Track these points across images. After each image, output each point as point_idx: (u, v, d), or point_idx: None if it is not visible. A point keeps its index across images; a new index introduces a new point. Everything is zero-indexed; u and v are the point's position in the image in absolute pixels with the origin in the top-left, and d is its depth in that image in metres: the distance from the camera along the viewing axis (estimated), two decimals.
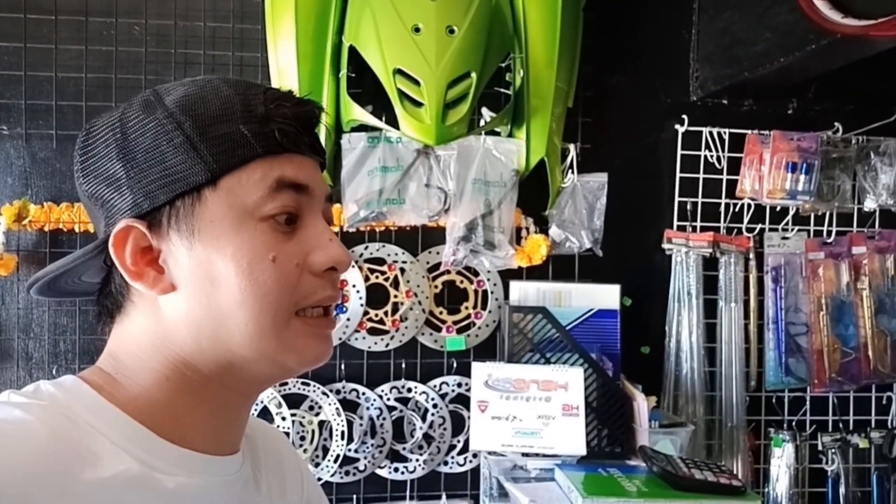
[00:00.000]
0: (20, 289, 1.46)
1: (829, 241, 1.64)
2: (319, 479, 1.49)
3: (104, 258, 0.57)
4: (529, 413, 1.35)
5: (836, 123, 1.62)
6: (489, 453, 1.37)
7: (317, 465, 1.49)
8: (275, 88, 0.60)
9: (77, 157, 0.58)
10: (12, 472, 0.45)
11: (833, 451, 1.63)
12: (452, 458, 1.56)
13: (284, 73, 1.46)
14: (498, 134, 1.54)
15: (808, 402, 1.65)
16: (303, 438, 1.50)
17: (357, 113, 1.44)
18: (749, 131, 1.61)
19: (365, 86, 1.47)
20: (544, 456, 1.34)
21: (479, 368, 1.39)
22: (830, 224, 1.65)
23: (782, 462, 1.60)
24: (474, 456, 1.55)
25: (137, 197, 0.55)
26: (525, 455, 1.35)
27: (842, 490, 1.62)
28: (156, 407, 0.55)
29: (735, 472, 1.57)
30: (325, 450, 1.50)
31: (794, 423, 1.65)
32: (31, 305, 1.47)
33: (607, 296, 1.53)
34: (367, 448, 1.51)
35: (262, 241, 0.55)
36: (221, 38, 1.52)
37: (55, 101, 1.46)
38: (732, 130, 1.62)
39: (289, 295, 0.56)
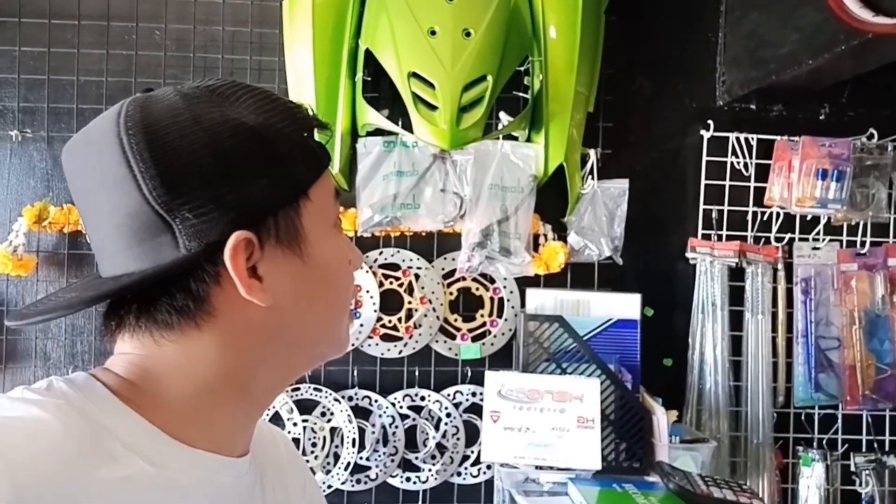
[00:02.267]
0: (39, 289, 1.48)
1: (862, 251, 1.57)
2: (330, 487, 1.47)
3: (188, 270, 0.53)
4: (543, 425, 1.32)
5: (870, 129, 1.56)
6: (501, 465, 1.34)
7: (328, 472, 1.47)
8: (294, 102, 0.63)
9: (143, 162, 0.50)
10: (32, 470, 0.45)
11: (867, 472, 1.56)
12: (466, 469, 1.52)
13: (301, 77, 1.45)
14: (516, 139, 1.52)
15: (839, 420, 1.58)
16: (314, 445, 1.48)
17: (372, 117, 1.43)
18: (778, 137, 1.55)
19: (381, 90, 1.46)
20: (558, 469, 1.30)
21: (492, 378, 1.35)
22: (864, 234, 1.58)
23: (811, 482, 1.53)
24: (488, 468, 1.51)
25: (243, 204, 0.53)
26: (538, 468, 1.31)
27: None
28: (172, 410, 0.54)
29: (761, 491, 1.51)
30: (337, 457, 1.48)
31: (824, 442, 1.57)
32: None
33: (627, 305, 1.48)
34: (379, 456, 1.49)
35: (341, 246, 0.61)
36: (240, 43, 1.52)
37: (76, 105, 1.49)
38: (761, 136, 1.56)
39: (350, 294, 0.64)
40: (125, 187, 0.51)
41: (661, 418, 1.36)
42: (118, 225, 0.52)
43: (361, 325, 1.50)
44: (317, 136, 0.60)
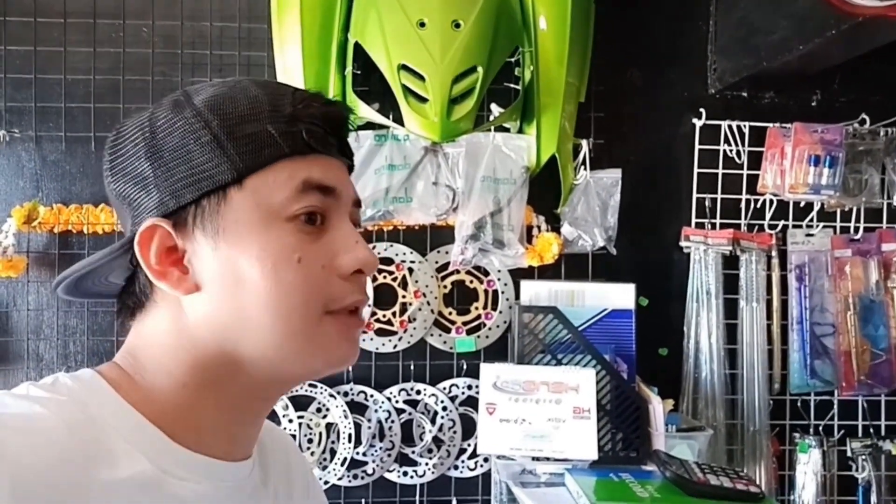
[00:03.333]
0: (30, 290, 1.47)
1: (856, 237, 1.57)
2: (326, 483, 1.47)
3: (130, 257, 0.56)
4: (539, 416, 1.31)
5: (862, 114, 1.55)
6: (498, 457, 1.33)
7: (324, 467, 1.47)
8: (303, 89, 0.59)
9: (106, 156, 0.57)
10: (31, 470, 0.45)
11: (863, 457, 1.56)
12: (463, 462, 1.52)
13: (291, 71, 1.44)
14: (507, 130, 1.51)
15: (835, 406, 1.58)
16: (310, 441, 1.47)
17: (363, 111, 1.42)
18: (770, 124, 1.55)
19: (372, 83, 1.45)
20: (555, 460, 1.30)
21: (487, 370, 1.35)
22: (858, 220, 1.58)
23: (808, 469, 1.53)
24: (485, 461, 1.51)
25: (164, 196, 0.54)
26: (535, 459, 1.31)
27: (873, 499, 1.54)
28: (171, 410, 0.54)
29: (758, 478, 1.51)
30: (333, 452, 1.48)
31: (820, 428, 1.57)
32: (41, 307, 1.48)
33: (622, 295, 1.48)
34: (376, 451, 1.49)
35: (288, 242, 0.54)
36: (228, 39, 1.51)
37: (64, 104, 1.47)
38: (753, 124, 1.56)
39: (316, 296, 0.55)
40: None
41: (658, 407, 1.36)
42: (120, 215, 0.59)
43: None
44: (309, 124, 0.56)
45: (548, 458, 1.30)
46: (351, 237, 0.57)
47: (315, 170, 0.56)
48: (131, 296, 0.58)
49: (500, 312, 1.53)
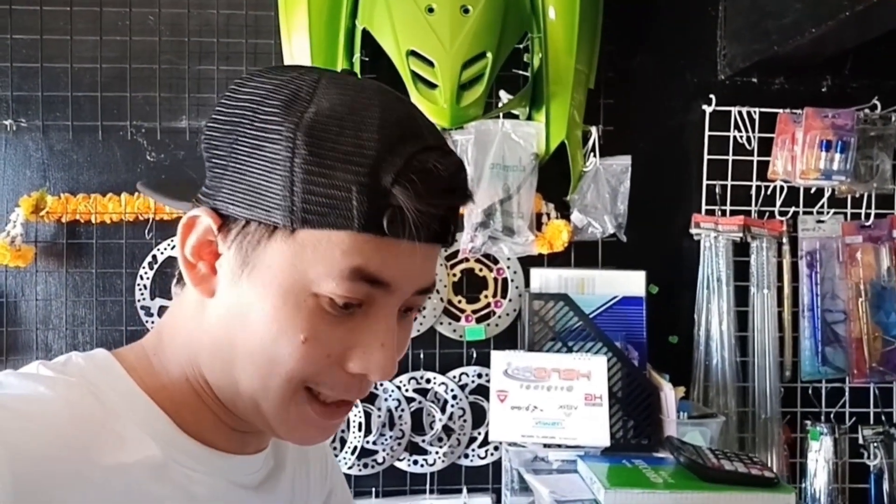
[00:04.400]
0: (38, 280, 1.47)
1: (867, 223, 1.56)
2: None
3: None
4: (551, 403, 1.31)
5: (874, 100, 1.54)
6: (509, 445, 1.33)
7: (335, 456, 1.46)
8: (436, 149, 0.49)
9: (218, 107, 0.52)
10: (30, 457, 0.44)
11: (875, 444, 1.55)
12: (473, 450, 1.51)
13: (298, 59, 1.43)
14: (517, 117, 1.50)
15: (847, 393, 1.57)
16: None
17: None
18: (781, 110, 1.54)
19: (381, 71, 1.44)
20: (567, 447, 1.30)
21: (498, 357, 1.34)
22: (869, 206, 1.57)
23: (820, 456, 1.53)
24: (496, 449, 1.50)
25: (224, 193, 0.50)
26: (546, 446, 1.31)
27: (885, 486, 1.53)
28: (180, 402, 0.53)
29: (769, 465, 1.50)
30: (343, 441, 1.47)
31: (832, 416, 1.57)
32: (49, 297, 1.47)
33: (632, 283, 1.47)
34: (386, 440, 1.48)
35: (302, 319, 0.48)
36: (235, 26, 1.50)
37: (70, 93, 1.46)
38: (763, 110, 1.55)
39: (303, 375, 0.50)
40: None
41: (669, 395, 1.35)
42: None
43: None
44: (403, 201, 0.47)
45: (559, 446, 1.30)
46: (378, 338, 0.50)
47: (376, 259, 0.47)
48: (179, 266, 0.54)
49: (510, 300, 1.52)
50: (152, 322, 1.45)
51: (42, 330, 1.47)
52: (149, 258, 1.46)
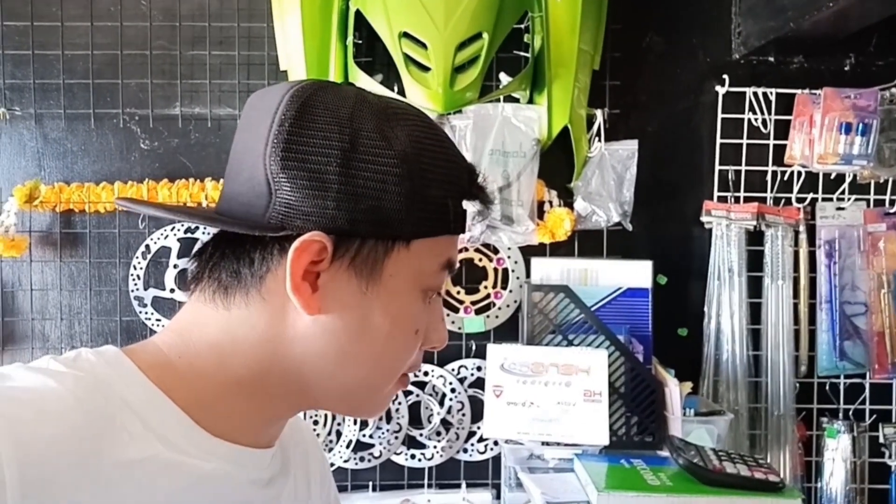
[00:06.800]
0: (34, 270, 1.46)
1: (891, 210, 1.47)
2: (333, 465, 1.43)
3: (255, 240, 0.54)
4: (548, 399, 1.26)
5: None
6: (506, 441, 1.29)
7: (330, 449, 1.44)
8: (468, 162, 0.60)
9: (283, 125, 0.52)
10: (39, 451, 0.43)
11: None
12: (472, 445, 1.48)
13: (291, 43, 1.39)
14: (517, 100, 1.44)
15: (867, 390, 1.49)
16: (315, 423, 1.44)
17: (365, 82, 1.36)
18: (799, 91, 1.46)
19: (376, 54, 1.40)
20: (564, 445, 1.25)
21: (494, 351, 1.30)
22: (893, 192, 1.48)
23: (837, 455, 1.45)
24: (495, 444, 1.46)
25: (339, 214, 0.52)
26: (543, 444, 1.26)
27: None
28: (207, 398, 0.53)
29: (783, 464, 1.44)
30: (339, 434, 1.45)
31: (850, 413, 1.49)
32: (45, 287, 1.46)
33: (638, 273, 1.41)
34: (382, 434, 1.45)
35: (417, 311, 0.57)
36: (228, 11, 1.47)
37: (63, 80, 1.44)
38: (780, 90, 1.47)
39: (404, 363, 0.59)
40: (258, 146, 0.53)
41: (674, 390, 1.29)
42: (245, 180, 0.54)
43: None
44: (468, 206, 0.58)
45: (557, 443, 1.25)
46: (440, 315, 0.62)
47: (454, 250, 0.60)
48: (234, 276, 0.54)
49: (511, 292, 1.48)
50: (145, 312, 1.43)
51: (39, 320, 1.46)
52: (142, 248, 1.44)
